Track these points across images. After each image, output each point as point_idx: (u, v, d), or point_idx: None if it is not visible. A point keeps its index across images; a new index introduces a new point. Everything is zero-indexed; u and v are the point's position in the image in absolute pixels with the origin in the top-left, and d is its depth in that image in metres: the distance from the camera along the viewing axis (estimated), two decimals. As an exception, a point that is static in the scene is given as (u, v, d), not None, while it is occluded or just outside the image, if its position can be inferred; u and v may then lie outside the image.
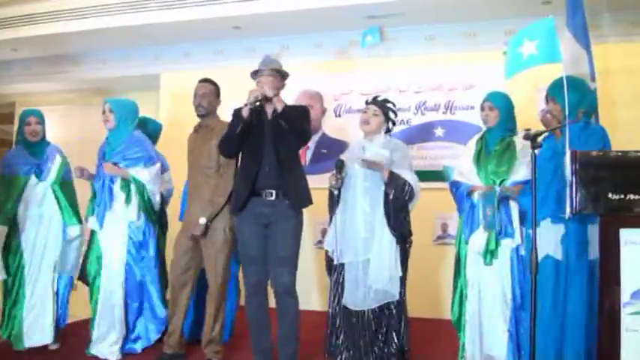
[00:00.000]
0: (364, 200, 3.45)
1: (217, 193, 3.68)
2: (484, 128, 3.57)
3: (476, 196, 3.36)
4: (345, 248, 3.47)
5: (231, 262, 3.82)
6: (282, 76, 3.51)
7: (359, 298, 3.42)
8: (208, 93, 3.80)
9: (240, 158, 3.58)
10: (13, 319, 4.03)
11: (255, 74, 3.50)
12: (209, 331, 3.74)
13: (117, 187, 3.88)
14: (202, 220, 3.63)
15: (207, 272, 3.75)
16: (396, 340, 3.44)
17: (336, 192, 3.57)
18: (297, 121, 3.37)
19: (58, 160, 4.10)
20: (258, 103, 3.31)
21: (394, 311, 3.45)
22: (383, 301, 3.42)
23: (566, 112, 2.86)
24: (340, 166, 3.46)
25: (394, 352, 3.44)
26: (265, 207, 3.39)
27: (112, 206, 3.87)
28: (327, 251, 3.65)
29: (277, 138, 3.37)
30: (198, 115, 3.83)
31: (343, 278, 3.49)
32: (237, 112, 3.39)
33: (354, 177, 3.50)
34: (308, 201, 3.49)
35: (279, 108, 3.32)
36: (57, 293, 4.06)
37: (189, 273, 3.79)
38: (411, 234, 3.52)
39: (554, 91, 3.16)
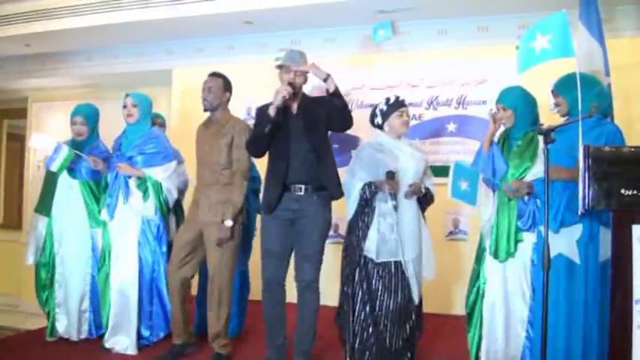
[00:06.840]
0: (413, 197, 3.47)
1: (234, 192, 3.64)
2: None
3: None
4: (404, 246, 3.40)
5: (235, 259, 3.77)
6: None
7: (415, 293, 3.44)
8: (214, 87, 3.71)
9: (268, 156, 3.55)
10: (49, 305, 4.18)
11: (280, 67, 3.50)
12: (213, 327, 3.71)
13: (133, 183, 3.92)
14: (229, 223, 3.59)
15: (210, 269, 3.70)
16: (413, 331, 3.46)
17: (366, 193, 3.38)
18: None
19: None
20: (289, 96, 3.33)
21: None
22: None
23: (580, 107, 2.83)
24: (393, 177, 3.33)
25: (414, 342, 3.46)
26: (294, 202, 3.41)
27: (128, 200, 3.91)
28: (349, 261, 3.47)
29: (305, 131, 3.39)
30: (205, 110, 3.76)
31: (374, 282, 3.37)
32: (262, 112, 3.39)
33: (403, 177, 3.44)
34: (339, 193, 3.50)
35: (332, 89, 3.39)
36: (91, 290, 4.14)
37: (188, 265, 3.76)
38: None
39: (557, 85, 3.21)
